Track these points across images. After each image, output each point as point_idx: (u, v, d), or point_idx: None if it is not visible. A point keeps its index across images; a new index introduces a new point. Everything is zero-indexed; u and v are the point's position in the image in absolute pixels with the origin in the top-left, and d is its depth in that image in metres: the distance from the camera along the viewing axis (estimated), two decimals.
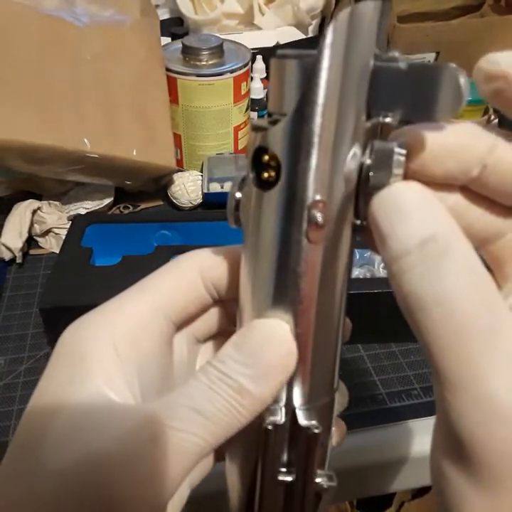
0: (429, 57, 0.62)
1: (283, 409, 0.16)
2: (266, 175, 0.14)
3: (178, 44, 0.57)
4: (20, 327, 0.42)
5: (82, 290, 0.37)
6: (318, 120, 0.13)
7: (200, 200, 0.54)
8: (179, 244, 0.44)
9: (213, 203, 0.54)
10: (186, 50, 0.55)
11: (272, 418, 0.16)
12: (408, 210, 0.13)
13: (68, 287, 0.38)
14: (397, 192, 0.14)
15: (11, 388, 0.37)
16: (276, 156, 0.14)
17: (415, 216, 0.13)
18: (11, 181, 0.53)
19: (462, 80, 0.13)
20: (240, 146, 0.60)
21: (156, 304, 0.17)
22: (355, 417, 0.35)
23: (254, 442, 0.16)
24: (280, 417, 0.16)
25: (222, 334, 0.20)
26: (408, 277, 0.13)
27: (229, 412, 0.14)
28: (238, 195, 0.16)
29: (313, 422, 0.16)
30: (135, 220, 0.46)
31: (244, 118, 0.59)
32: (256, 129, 0.15)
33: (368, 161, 0.14)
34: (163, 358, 0.18)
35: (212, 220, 0.46)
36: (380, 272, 0.42)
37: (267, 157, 0.14)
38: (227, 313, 0.20)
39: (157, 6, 0.79)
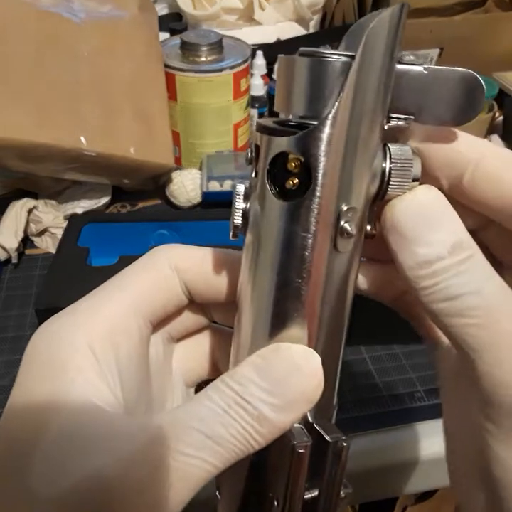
0: (433, 53, 0.62)
1: (303, 429, 0.15)
2: (290, 183, 0.13)
3: (176, 40, 0.57)
4: (16, 328, 0.42)
5: (78, 291, 0.36)
6: (353, 126, 0.13)
7: (199, 199, 0.53)
8: None
9: (212, 201, 0.53)
10: (185, 46, 0.54)
11: (301, 440, 0.15)
12: (437, 216, 0.13)
13: (65, 288, 0.37)
14: (424, 198, 0.14)
15: (6, 390, 0.37)
16: (305, 163, 0.13)
17: (445, 222, 0.13)
18: (7, 180, 0.53)
19: (480, 85, 0.13)
20: (240, 144, 0.59)
21: (133, 304, 0.17)
22: (357, 419, 0.34)
23: (248, 462, 0.16)
24: (307, 438, 0.15)
25: (195, 333, 0.20)
26: (442, 282, 0.13)
27: (244, 439, 0.13)
28: (243, 205, 0.15)
29: (339, 435, 0.15)
30: (133, 220, 0.46)
31: (244, 115, 0.58)
32: (270, 132, 0.14)
33: (388, 166, 0.14)
34: (140, 359, 0.17)
35: (211, 219, 0.45)
36: None
37: (292, 164, 0.13)
38: (201, 313, 0.19)
39: (155, 1, 0.78)
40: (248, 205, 0.15)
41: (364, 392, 0.36)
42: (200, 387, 0.20)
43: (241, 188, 0.15)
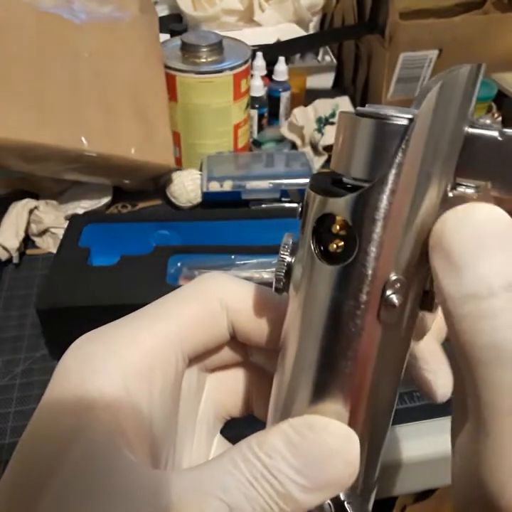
0: (432, 54, 0.62)
1: (331, 506, 0.14)
2: (334, 246, 0.13)
3: (177, 41, 0.57)
4: (16, 328, 0.42)
5: (79, 291, 0.37)
6: (409, 192, 0.12)
7: (199, 200, 0.54)
8: (178, 244, 0.44)
9: (212, 202, 0.53)
10: (185, 47, 0.54)
11: None
12: (497, 240, 0.11)
13: (65, 288, 0.37)
14: (484, 216, 0.12)
15: (7, 390, 0.37)
16: (352, 227, 0.12)
17: (506, 250, 0.11)
18: (8, 180, 0.53)
19: None
20: (240, 145, 0.60)
21: (175, 338, 0.16)
22: None
23: None
24: None
25: (231, 367, 0.19)
26: (490, 323, 0.11)
27: None
28: (289, 259, 0.14)
29: None
30: (133, 220, 0.46)
31: (244, 116, 0.58)
32: (322, 191, 0.13)
33: None
34: (173, 395, 0.16)
35: (211, 219, 0.45)
36: None
37: (338, 227, 0.13)
38: (240, 350, 0.18)
39: (156, 2, 0.78)
40: (293, 259, 0.14)
41: None
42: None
43: (288, 241, 0.14)
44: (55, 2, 0.49)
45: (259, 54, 0.62)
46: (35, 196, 0.52)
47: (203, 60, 0.54)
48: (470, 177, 0.13)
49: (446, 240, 0.12)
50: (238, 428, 0.19)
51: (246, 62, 0.55)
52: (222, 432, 0.20)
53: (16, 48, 0.45)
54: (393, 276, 0.12)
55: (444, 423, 0.35)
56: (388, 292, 0.12)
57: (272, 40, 0.70)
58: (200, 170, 0.55)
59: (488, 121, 0.13)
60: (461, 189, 0.13)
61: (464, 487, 0.13)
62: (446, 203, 0.13)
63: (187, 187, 0.53)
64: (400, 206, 0.12)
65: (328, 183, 0.13)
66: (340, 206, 0.12)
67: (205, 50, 0.54)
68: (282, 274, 0.14)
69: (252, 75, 0.60)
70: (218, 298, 0.17)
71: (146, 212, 0.54)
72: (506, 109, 0.61)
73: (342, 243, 0.13)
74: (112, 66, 0.50)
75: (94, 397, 0.14)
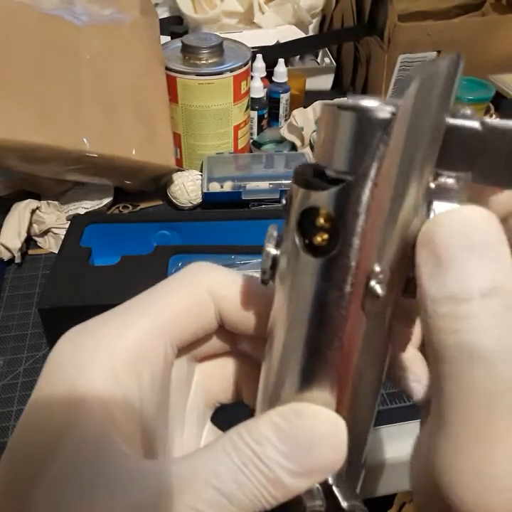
0: (430, 56, 0.62)
1: (320, 490, 0.14)
2: (319, 239, 0.13)
3: (177, 43, 0.57)
4: (19, 327, 0.42)
5: (81, 290, 0.37)
6: (391, 184, 0.12)
7: (199, 200, 0.54)
8: (179, 244, 0.44)
9: (213, 202, 0.53)
10: (186, 49, 0.55)
11: (312, 503, 0.14)
12: (485, 243, 0.11)
13: (67, 287, 0.37)
14: (476, 217, 0.12)
15: (9, 389, 0.37)
16: (336, 220, 0.12)
17: (492, 253, 0.11)
18: (10, 181, 0.53)
19: None
20: (240, 146, 0.60)
21: (163, 328, 0.16)
22: None
23: None
24: (320, 502, 0.14)
25: (219, 356, 0.19)
26: (464, 325, 0.11)
27: (257, 500, 0.13)
28: (274, 252, 0.14)
29: (356, 503, 0.14)
30: (134, 220, 0.46)
31: (244, 117, 0.59)
32: (305, 184, 0.13)
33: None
34: (162, 385, 0.16)
35: (211, 219, 0.45)
36: None
37: (321, 220, 0.13)
38: (228, 339, 0.18)
39: (156, 4, 0.79)
40: (279, 251, 0.14)
41: None
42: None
43: (273, 233, 0.14)
44: (57, 4, 0.49)
45: (259, 56, 0.63)
46: (37, 197, 0.52)
47: (204, 62, 0.54)
48: (451, 168, 0.13)
49: (436, 239, 0.12)
50: (232, 414, 0.19)
51: (246, 63, 0.55)
52: (214, 421, 0.20)
53: (18, 50, 0.45)
54: (377, 268, 0.12)
55: None
56: (372, 283, 0.12)
57: (271, 42, 0.70)
58: (201, 171, 0.56)
59: (468, 112, 0.13)
60: (441, 179, 0.13)
61: (424, 487, 0.13)
62: (427, 194, 0.13)
63: (187, 187, 0.53)
64: (382, 199, 0.12)
65: (311, 176, 0.13)
66: (323, 199, 0.12)
67: (205, 51, 0.54)
68: (268, 266, 0.14)
69: (252, 77, 0.60)
70: (205, 287, 0.17)
71: (147, 213, 0.54)
72: (504, 110, 0.61)
73: (326, 236, 0.13)
74: (113, 68, 0.50)
75: (85, 390, 0.14)
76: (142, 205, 0.55)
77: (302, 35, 0.73)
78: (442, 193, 0.13)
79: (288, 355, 0.14)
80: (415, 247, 0.13)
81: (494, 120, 0.13)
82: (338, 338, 0.13)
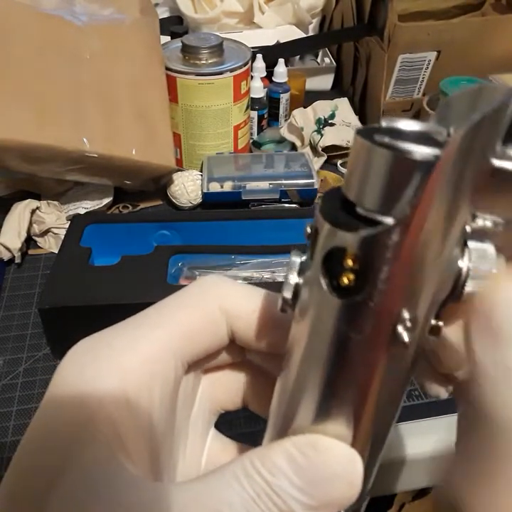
0: (430, 55, 0.62)
1: None
2: (345, 281, 0.12)
3: (177, 43, 0.57)
4: (19, 327, 0.42)
5: (81, 290, 0.37)
6: (426, 232, 0.11)
7: (199, 200, 0.54)
8: (179, 244, 0.44)
9: (213, 202, 0.53)
10: (186, 49, 0.55)
11: None
12: None
13: (67, 287, 0.37)
14: None
15: (9, 389, 0.37)
16: (364, 263, 0.12)
17: None
18: (10, 181, 0.53)
19: None
20: (240, 146, 0.60)
21: (174, 345, 0.15)
22: None
23: None
24: None
25: (227, 366, 0.19)
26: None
27: None
28: (296, 280, 0.13)
29: None
30: (134, 220, 0.46)
31: (244, 117, 0.59)
32: (333, 221, 0.12)
33: (466, 266, 0.12)
34: (171, 403, 0.16)
35: (212, 219, 0.46)
36: None
37: (349, 261, 0.12)
38: (238, 352, 0.18)
39: (156, 4, 0.79)
40: (301, 280, 0.13)
41: None
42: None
43: (296, 261, 0.14)
44: (57, 4, 0.49)
45: (259, 56, 0.63)
46: (37, 197, 0.52)
47: (204, 62, 0.54)
48: (491, 212, 0.12)
49: (492, 314, 0.12)
50: (232, 414, 0.19)
51: (246, 63, 0.55)
52: (222, 431, 0.20)
53: (18, 50, 0.45)
54: (406, 315, 0.12)
55: (443, 421, 0.35)
56: (399, 329, 0.12)
57: (271, 42, 0.70)
58: (201, 171, 0.56)
59: None
60: (479, 222, 0.12)
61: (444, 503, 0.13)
62: (463, 236, 0.12)
63: (187, 187, 0.53)
64: (415, 246, 0.11)
65: (339, 208, 0.12)
66: (351, 241, 0.11)
67: (205, 52, 0.54)
68: (289, 296, 0.14)
69: (252, 77, 0.60)
70: (218, 304, 0.16)
71: (147, 213, 0.54)
72: None
73: (352, 277, 0.12)
74: (113, 68, 0.50)
75: (94, 409, 0.13)
76: (142, 205, 0.55)
77: (302, 35, 0.73)
78: (478, 234, 0.13)
79: (305, 387, 0.14)
80: (468, 312, 0.12)
81: None
82: (358, 380, 0.13)
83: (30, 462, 0.13)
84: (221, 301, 0.16)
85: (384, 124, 0.11)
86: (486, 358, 0.12)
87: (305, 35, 0.74)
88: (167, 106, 0.53)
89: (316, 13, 0.78)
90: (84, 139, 0.46)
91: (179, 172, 0.54)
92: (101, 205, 0.53)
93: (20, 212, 0.48)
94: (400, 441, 0.34)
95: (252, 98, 0.61)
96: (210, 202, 0.54)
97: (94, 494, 0.12)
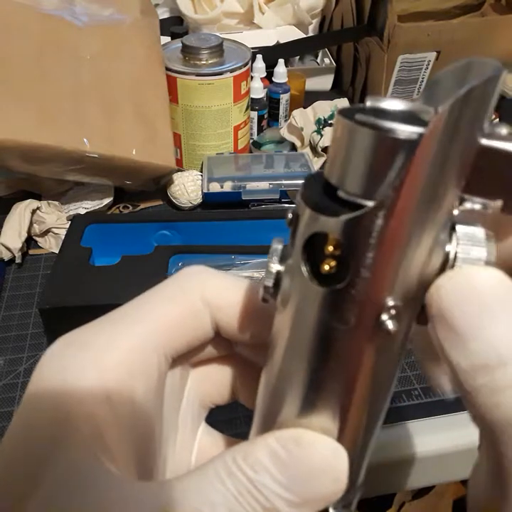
0: (430, 56, 0.62)
1: None
2: (326, 267, 0.12)
3: (177, 43, 0.57)
4: (19, 327, 0.42)
5: (81, 290, 0.37)
6: (411, 215, 0.11)
7: (199, 200, 0.54)
8: (179, 244, 0.44)
9: (213, 202, 0.54)
10: (186, 50, 0.55)
11: None
12: (500, 308, 0.11)
13: (68, 287, 0.38)
14: (481, 279, 0.11)
15: (10, 389, 0.37)
16: (346, 249, 0.11)
17: (507, 315, 0.11)
18: (10, 181, 0.53)
19: None
20: (240, 146, 0.60)
21: (156, 339, 0.15)
22: None
23: None
24: None
25: (215, 360, 0.19)
26: (506, 396, 0.10)
27: None
28: (278, 268, 0.13)
29: None
30: (134, 220, 0.46)
31: (244, 117, 0.59)
32: (314, 205, 0.11)
33: (454, 251, 0.12)
34: (156, 399, 0.15)
35: (212, 219, 0.46)
36: None
37: (330, 247, 0.11)
38: (224, 345, 0.18)
39: (157, 5, 0.79)
40: (283, 268, 0.13)
41: None
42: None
43: (277, 248, 0.13)
44: (57, 5, 0.49)
45: (259, 56, 0.63)
46: (38, 197, 0.53)
47: (204, 62, 0.54)
48: (479, 194, 0.12)
49: (445, 306, 0.11)
50: (228, 413, 0.19)
51: (246, 64, 0.56)
52: (222, 430, 0.20)
53: (18, 50, 0.46)
54: (390, 302, 0.11)
55: (442, 421, 0.35)
56: (383, 318, 0.11)
57: (271, 43, 0.70)
58: (201, 171, 0.56)
59: (504, 132, 0.11)
60: (467, 205, 0.12)
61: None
62: (450, 220, 0.12)
63: (188, 188, 0.53)
64: (399, 231, 0.11)
65: (321, 193, 0.12)
66: (333, 226, 0.11)
67: (205, 52, 0.54)
68: (271, 284, 0.13)
69: (252, 77, 0.60)
70: (200, 295, 0.16)
71: (147, 213, 0.54)
72: (504, 110, 0.61)
73: (334, 263, 0.11)
74: (114, 68, 0.50)
75: (73, 407, 0.13)
76: (142, 205, 0.55)
77: (302, 35, 0.73)
78: (465, 217, 0.12)
79: (289, 380, 0.13)
80: (430, 318, 0.12)
81: None
82: (343, 372, 0.12)
83: (9, 466, 0.13)
84: (203, 292, 0.16)
85: (368, 103, 0.11)
86: (458, 359, 0.11)
87: (305, 36, 0.74)
88: (167, 106, 0.53)
89: (316, 14, 0.78)
90: (85, 139, 0.46)
91: (179, 172, 0.54)
92: (101, 205, 0.53)
93: (20, 213, 0.48)
94: (399, 440, 0.34)
95: (252, 98, 0.61)
96: (210, 202, 0.54)
97: (72, 497, 0.12)
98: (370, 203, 0.10)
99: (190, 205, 0.54)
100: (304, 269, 0.12)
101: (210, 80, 0.53)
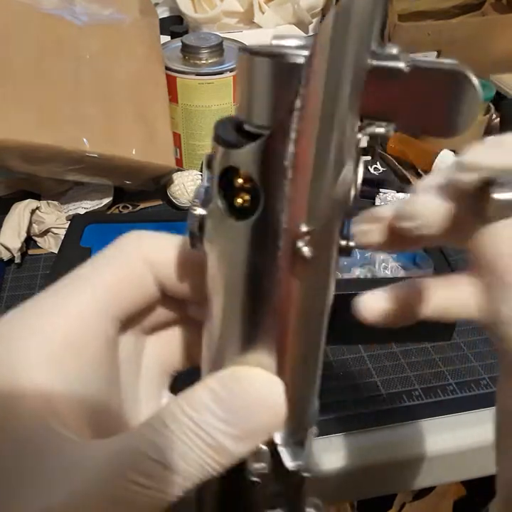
0: (430, 56, 0.62)
1: (266, 451, 0.14)
2: (240, 201, 0.12)
3: (177, 42, 0.57)
4: None
5: None
6: (311, 137, 0.11)
7: None
8: None
9: None
10: (186, 49, 0.55)
11: (255, 466, 0.14)
12: None
13: None
14: None
15: None
16: (253, 179, 0.11)
17: None
18: (10, 181, 0.53)
19: (472, 88, 0.11)
20: None
21: (99, 303, 0.15)
22: (355, 417, 0.35)
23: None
24: (264, 464, 0.14)
25: (170, 325, 0.19)
26: None
27: (201, 468, 0.13)
28: (201, 212, 0.13)
29: (300, 463, 0.14)
30: (134, 220, 0.46)
31: None
32: (222, 142, 0.12)
33: (360, 177, 0.12)
34: (108, 364, 0.15)
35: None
36: (381, 272, 0.42)
37: (240, 180, 0.12)
38: (175, 307, 0.18)
39: (156, 4, 0.79)
40: (206, 212, 0.13)
41: (362, 390, 0.37)
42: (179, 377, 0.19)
43: (200, 192, 0.13)
44: (57, 4, 0.49)
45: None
46: (37, 197, 0.52)
47: (204, 62, 0.54)
48: (377, 115, 0.12)
49: (498, 256, 0.11)
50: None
51: None
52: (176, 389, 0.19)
53: (18, 50, 0.45)
54: (303, 228, 0.11)
55: (443, 421, 0.35)
56: (299, 244, 0.11)
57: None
58: (201, 171, 0.56)
59: (394, 51, 0.12)
60: (370, 129, 0.12)
61: None
62: (356, 146, 0.12)
63: (187, 187, 0.53)
64: (302, 154, 0.11)
65: (232, 132, 0.12)
66: (240, 158, 0.11)
67: (205, 51, 0.54)
68: (195, 228, 0.13)
69: None
70: (140, 255, 0.16)
71: (147, 213, 0.54)
72: (505, 110, 0.61)
73: (247, 197, 0.12)
74: (113, 68, 0.50)
75: (21, 380, 0.13)
76: (142, 205, 0.55)
77: (302, 35, 0.73)
78: (374, 142, 0.12)
79: (224, 322, 0.14)
80: (477, 263, 0.12)
81: (422, 59, 0.11)
82: (271, 304, 0.13)
83: None
84: (142, 251, 0.16)
85: (273, 41, 0.11)
86: (500, 301, 0.12)
87: (305, 35, 0.74)
88: (167, 106, 0.53)
89: (316, 13, 0.78)
90: (85, 139, 0.46)
91: (179, 172, 0.54)
92: (101, 205, 0.53)
93: (20, 212, 0.48)
94: (400, 441, 0.34)
95: None
96: None
97: (23, 461, 0.12)
98: (268, 131, 0.11)
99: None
100: (220, 205, 0.12)
101: (210, 80, 0.53)
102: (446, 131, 0.12)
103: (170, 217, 0.47)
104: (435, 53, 0.62)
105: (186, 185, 0.53)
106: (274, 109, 0.11)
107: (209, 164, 0.13)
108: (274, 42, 0.11)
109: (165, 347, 0.19)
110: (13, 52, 0.45)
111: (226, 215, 0.12)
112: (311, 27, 0.79)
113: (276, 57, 0.11)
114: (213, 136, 0.12)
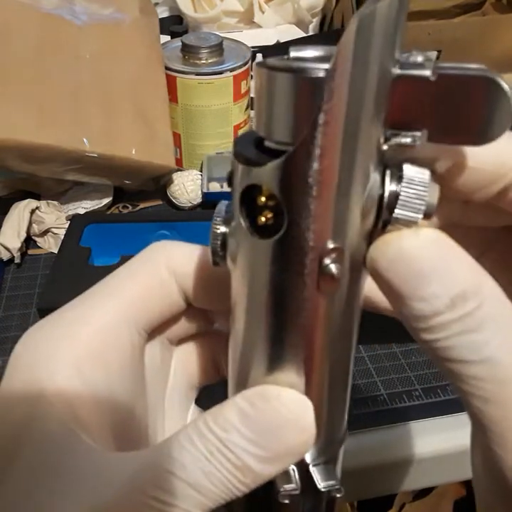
0: (431, 55, 0.62)
1: (295, 471, 0.14)
2: (263, 219, 0.12)
3: (177, 42, 0.57)
4: (18, 328, 0.42)
5: (80, 290, 0.37)
6: (335, 153, 0.10)
7: (199, 200, 0.54)
8: None
9: (213, 202, 0.53)
10: (186, 49, 0.55)
11: (286, 487, 0.13)
12: (429, 268, 0.11)
13: (67, 287, 0.37)
14: (411, 248, 0.11)
15: None
16: (277, 197, 0.11)
17: (441, 273, 0.11)
18: (10, 181, 0.53)
19: (507, 89, 0.10)
20: None
21: (125, 312, 0.15)
22: (355, 418, 0.35)
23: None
24: (295, 485, 0.14)
25: (197, 336, 0.19)
26: (443, 341, 0.11)
27: (226, 488, 0.12)
28: (223, 230, 0.13)
29: (332, 482, 0.14)
30: (134, 220, 0.46)
31: (245, 117, 0.59)
32: (244, 160, 0.11)
33: (388, 191, 0.12)
34: (133, 374, 0.16)
35: (211, 219, 0.45)
36: None
37: (263, 198, 0.11)
38: (201, 317, 0.18)
39: (156, 4, 0.79)
40: (228, 230, 0.13)
41: (363, 391, 0.37)
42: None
43: (221, 210, 0.13)
44: (57, 4, 0.49)
45: (259, 55, 0.63)
46: (37, 197, 0.52)
47: (204, 62, 0.54)
48: (403, 126, 0.11)
49: (384, 275, 0.11)
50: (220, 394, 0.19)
51: (246, 63, 0.55)
52: (201, 403, 0.19)
53: (18, 49, 0.45)
54: (330, 245, 0.11)
55: (443, 422, 0.35)
56: (326, 262, 0.11)
57: (271, 42, 0.70)
58: (201, 170, 0.56)
59: (419, 59, 0.11)
60: (395, 140, 0.12)
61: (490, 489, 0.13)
62: (380, 157, 0.12)
63: (187, 187, 0.53)
64: (327, 170, 0.10)
65: (252, 148, 0.12)
66: (263, 176, 0.11)
67: (205, 51, 0.54)
68: (217, 246, 0.13)
69: (252, 76, 0.60)
70: (165, 265, 0.16)
71: (147, 213, 0.54)
72: None
73: (270, 215, 0.12)
74: (113, 67, 0.50)
75: (46, 385, 0.13)
76: (142, 205, 0.55)
77: (302, 34, 0.73)
78: (402, 153, 0.12)
79: (250, 339, 0.14)
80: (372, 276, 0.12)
81: (448, 65, 0.11)
82: (297, 322, 0.12)
83: None
84: (168, 262, 0.16)
85: (291, 53, 0.11)
86: (397, 305, 0.12)
87: (305, 35, 0.74)
88: (167, 106, 0.53)
89: (316, 13, 0.78)
90: (84, 139, 0.46)
91: (179, 172, 0.54)
92: (101, 205, 0.53)
93: (19, 212, 0.48)
94: (400, 441, 0.34)
95: (252, 97, 0.61)
96: (210, 202, 0.54)
97: (48, 467, 0.12)
98: (291, 147, 0.10)
99: (190, 204, 0.54)
100: (243, 224, 0.12)
101: (210, 79, 0.53)
102: (478, 138, 0.11)
103: (170, 217, 0.47)
104: (436, 53, 0.62)
105: (186, 185, 0.53)
106: (296, 126, 0.11)
107: (229, 181, 0.13)
108: (293, 54, 0.11)
109: (191, 359, 0.19)
110: (13, 52, 0.45)
111: (249, 233, 0.12)
112: (311, 26, 0.79)
113: (296, 72, 0.10)
114: (233, 153, 0.12)
